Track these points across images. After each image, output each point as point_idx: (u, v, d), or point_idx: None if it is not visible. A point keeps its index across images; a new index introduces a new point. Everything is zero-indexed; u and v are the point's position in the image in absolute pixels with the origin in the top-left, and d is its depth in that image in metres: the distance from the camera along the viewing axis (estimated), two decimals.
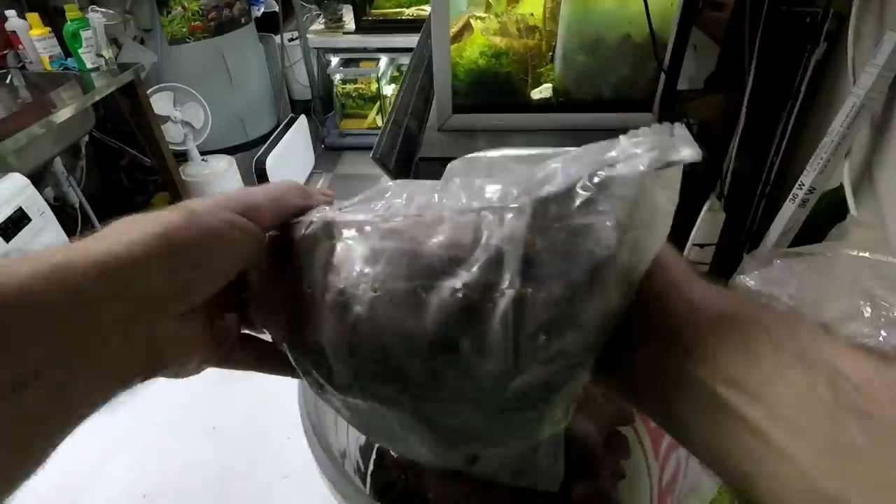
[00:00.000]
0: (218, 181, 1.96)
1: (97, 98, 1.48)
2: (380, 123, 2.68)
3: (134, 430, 0.60)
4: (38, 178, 1.54)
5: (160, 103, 1.80)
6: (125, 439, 0.59)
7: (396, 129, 0.86)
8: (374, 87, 2.59)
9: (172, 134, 1.86)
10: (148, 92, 1.72)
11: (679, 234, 0.86)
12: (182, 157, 1.96)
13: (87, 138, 1.73)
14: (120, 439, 0.59)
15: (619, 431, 0.41)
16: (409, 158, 0.85)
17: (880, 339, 0.50)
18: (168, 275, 0.19)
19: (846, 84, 0.76)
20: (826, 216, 0.79)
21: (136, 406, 0.63)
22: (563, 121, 0.86)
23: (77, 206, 1.67)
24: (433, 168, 0.79)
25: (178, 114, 1.86)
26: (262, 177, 2.09)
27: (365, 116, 2.70)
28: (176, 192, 1.82)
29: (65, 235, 1.22)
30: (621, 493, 0.39)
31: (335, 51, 2.56)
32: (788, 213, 0.80)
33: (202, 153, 2.00)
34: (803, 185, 0.79)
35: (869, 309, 0.52)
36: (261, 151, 2.13)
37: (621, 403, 0.43)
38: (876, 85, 0.66)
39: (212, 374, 0.68)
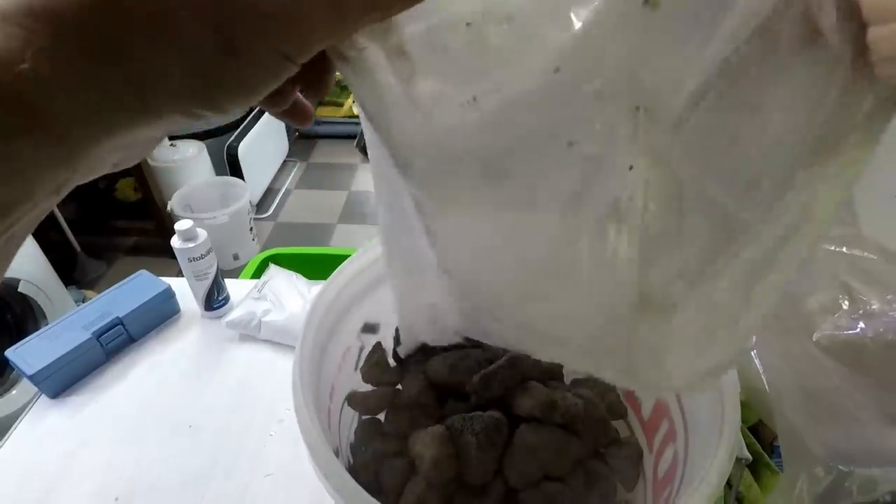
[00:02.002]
0: (187, 167, 1.88)
1: None
2: (357, 112, 2.62)
3: (101, 430, 0.57)
4: None
5: None
6: (92, 439, 0.56)
7: None
8: None
9: None
10: None
11: None
12: None
13: None
14: (86, 439, 0.56)
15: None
16: None
17: (858, 330, 0.51)
18: None
19: None
20: None
21: (102, 405, 0.60)
22: None
23: None
24: None
25: None
26: (233, 164, 2.02)
27: (341, 104, 2.65)
28: (142, 177, 1.74)
29: None
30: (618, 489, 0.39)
31: None
32: None
33: (170, 137, 1.92)
34: None
35: (847, 302, 0.54)
36: (232, 137, 2.06)
37: (616, 398, 0.43)
38: None
39: (186, 369, 0.65)
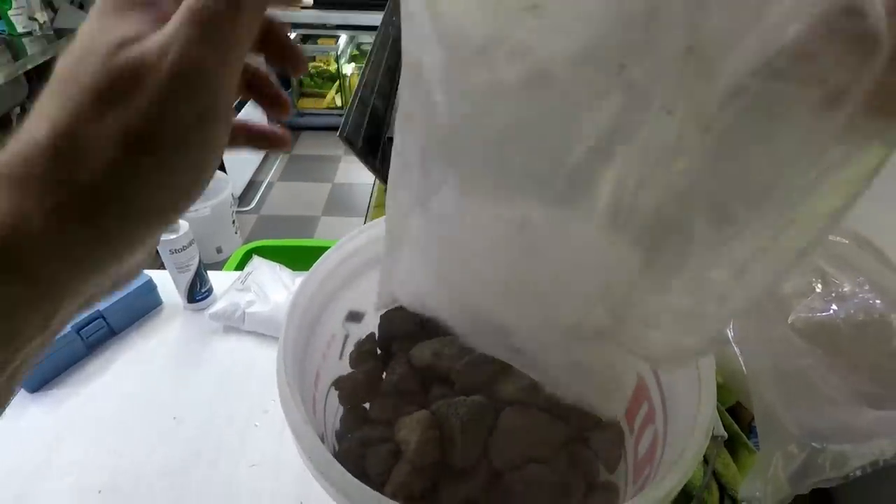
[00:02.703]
0: None
1: (29, 66, 1.35)
2: (339, 104, 2.60)
3: (83, 423, 0.56)
4: None
5: None
6: (73, 432, 0.55)
7: (363, 107, 0.83)
8: (333, 66, 2.51)
9: None
10: None
11: None
12: None
13: (18, 110, 1.59)
14: (67, 432, 0.55)
15: None
16: (377, 138, 0.82)
17: (831, 312, 0.53)
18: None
19: None
20: None
21: (84, 399, 0.59)
22: None
23: None
24: None
25: None
26: None
27: (323, 96, 2.62)
28: None
29: None
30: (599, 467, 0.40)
31: (293, 25, 2.45)
32: None
33: None
34: None
35: (820, 285, 0.55)
36: None
37: None
38: None
39: (169, 361, 0.65)
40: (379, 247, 0.42)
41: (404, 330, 0.43)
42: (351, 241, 0.42)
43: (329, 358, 0.39)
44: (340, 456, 0.39)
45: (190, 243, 0.64)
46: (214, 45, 0.16)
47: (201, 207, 1.68)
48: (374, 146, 0.82)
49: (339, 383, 0.40)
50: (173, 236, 0.62)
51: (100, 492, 0.50)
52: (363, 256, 0.42)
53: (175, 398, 0.58)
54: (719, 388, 0.38)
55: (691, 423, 0.29)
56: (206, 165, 0.17)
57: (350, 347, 0.42)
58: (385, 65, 1.00)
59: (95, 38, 0.16)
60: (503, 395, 0.38)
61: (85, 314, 0.62)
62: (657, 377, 0.37)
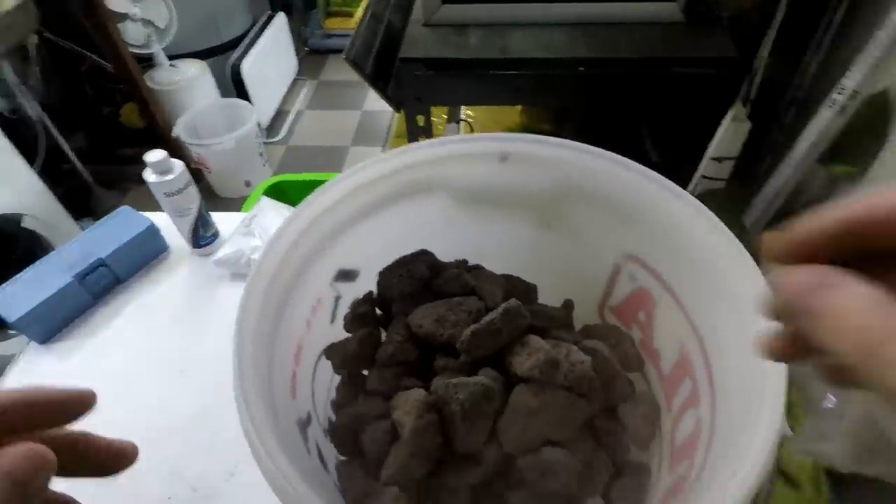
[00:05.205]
0: (190, 89, 1.79)
1: None
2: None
3: (89, 377, 0.55)
4: None
5: None
6: (83, 385, 0.55)
7: (375, 24, 0.73)
8: None
9: (132, 35, 1.66)
10: None
11: (696, 145, 0.77)
12: (147, 61, 1.77)
13: (35, 40, 1.54)
14: (77, 385, 0.55)
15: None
16: (390, 59, 0.73)
17: None
18: None
19: None
20: (864, 126, 0.70)
21: (92, 351, 0.58)
22: (578, 11, 0.73)
23: (37, 118, 1.53)
24: (416, 70, 0.68)
25: (136, 10, 1.64)
26: (238, 84, 1.91)
27: (352, 15, 2.44)
28: (143, 101, 1.66)
29: (15, 152, 1.10)
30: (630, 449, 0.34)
31: None
32: (823, 122, 0.70)
33: (170, 57, 1.81)
34: (844, 88, 0.69)
35: None
36: (236, 55, 1.93)
37: (632, 349, 0.37)
38: None
39: (176, 312, 0.62)
40: (381, 188, 0.36)
41: (405, 290, 0.37)
42: (343, 181, 0.35)
43: (315, 325, 0.34)
44: (335, 429, 0.35)
45: (186, 185, 0.59)
46: None
47: (225, 139, 1.63)
48: (384, 68, 0.72)
49: (329, 352, 0.35)
50: (167, 178, 0.57)
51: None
52: (359, 200, 0.35)
53: (181, 351, 0.56)
54: None
55: (750, 423, 0.23)
56: None
57: (343, 310, 0.37)
58: None
59: None
60: (516, 370, 0.32)
61: (87, 262, 0.59)
62: (705, 355, 0.30)
